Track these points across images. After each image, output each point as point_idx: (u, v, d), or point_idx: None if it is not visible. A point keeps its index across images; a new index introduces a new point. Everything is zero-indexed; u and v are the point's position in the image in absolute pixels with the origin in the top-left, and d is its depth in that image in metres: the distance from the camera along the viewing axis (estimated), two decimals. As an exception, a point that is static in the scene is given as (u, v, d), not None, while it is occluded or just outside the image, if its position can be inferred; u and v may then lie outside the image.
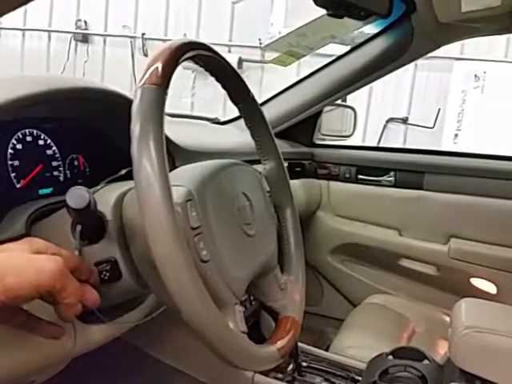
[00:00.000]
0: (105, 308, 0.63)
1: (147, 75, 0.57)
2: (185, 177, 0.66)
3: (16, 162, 0.76)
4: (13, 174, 0.75)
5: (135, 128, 0.53)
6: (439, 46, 1.48)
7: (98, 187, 0.69)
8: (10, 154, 0.75)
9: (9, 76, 0.74)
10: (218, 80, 0.76)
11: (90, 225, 0.62)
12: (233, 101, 0.81)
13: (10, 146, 0.75)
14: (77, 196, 0.57)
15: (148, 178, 0.51)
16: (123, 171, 0.73)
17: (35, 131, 0.80)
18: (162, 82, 0.57)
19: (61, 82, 0.71)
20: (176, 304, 0.52)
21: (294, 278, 0.83)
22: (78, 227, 0.60)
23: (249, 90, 0.80)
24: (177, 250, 0.51)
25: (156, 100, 0.56)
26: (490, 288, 1.65)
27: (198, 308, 0.53)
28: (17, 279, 0.50)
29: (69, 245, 0.61)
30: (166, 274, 0.51)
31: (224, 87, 0.78)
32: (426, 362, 1.07)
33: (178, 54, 0.61)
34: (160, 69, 0.57)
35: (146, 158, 0.52)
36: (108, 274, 0.63)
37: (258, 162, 0.88)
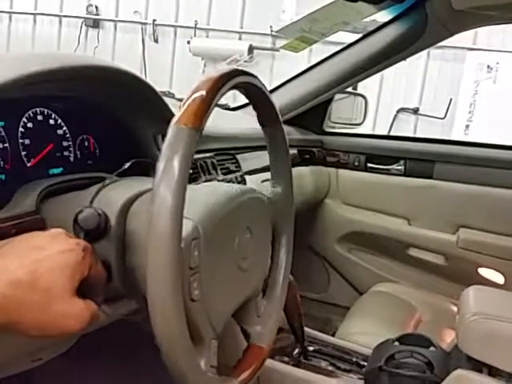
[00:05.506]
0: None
1: (183, 114, 0.55)
2: (195, 208, 0.64)
3: (27, 141, 0.76)
4: (23, 153, 0.75)
5: (161, 165, 0.53)
6: (453, 34, 1.47)
7: (107, 182, 0.69)
8: (21, 132, 0.75)
9: (21, 53, 0.74)
10: (250, 101, 0.76)
11: (93, 227, 0.62)
12: (260, 122, 0.79)
13: (21, 124, 0.75)
14: (88, 217, 0.60)
15: (161, 214, 0.51)
16: (126, 165, 0.72)
17: (46, 110, 0.80)
18: (198, 124, 0.55)
19: (74, 59, 0.71)
20: (155, 332, 0.53)
21: (275, 302, 0.83)
22: (82, 234, 0.61)
23: (278, 116, 0.79)
24: (171, 290, 0.51)
25: (188, 142, 0.54)
26: (498, 278, 1.64)
27: (175, 346, 0.53)
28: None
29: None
30: (154, 307, 0.52)
31: (255, 107, 0.77)
32: (432, 348, 1.07)
33: (215, 91, 0.59)
34: (196, 109, 0.56)
35: (163, 198, 0.52)
36: None
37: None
